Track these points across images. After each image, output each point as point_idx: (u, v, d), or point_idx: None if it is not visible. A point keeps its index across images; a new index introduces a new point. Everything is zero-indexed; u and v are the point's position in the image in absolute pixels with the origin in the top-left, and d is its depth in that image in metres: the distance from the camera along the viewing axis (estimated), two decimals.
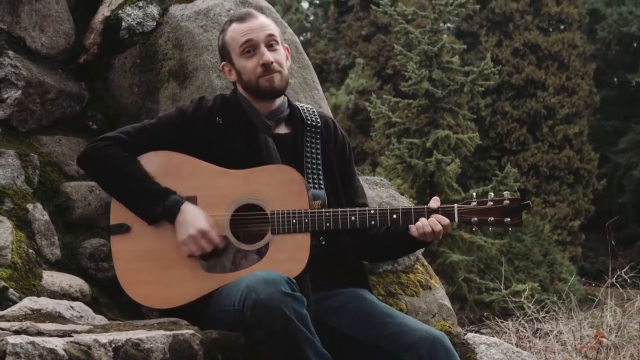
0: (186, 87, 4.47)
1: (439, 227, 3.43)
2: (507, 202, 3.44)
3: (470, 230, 3.58)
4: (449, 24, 27.77)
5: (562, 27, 29.22)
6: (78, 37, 4.71)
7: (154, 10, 4.67)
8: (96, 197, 4.21)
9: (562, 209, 26.45)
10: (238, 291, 3.15)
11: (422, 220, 3.44)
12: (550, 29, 28.99)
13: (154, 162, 3.53)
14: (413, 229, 3.46)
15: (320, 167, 3.64)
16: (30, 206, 3.94)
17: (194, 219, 3.41)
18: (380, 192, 4.69)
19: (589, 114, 29.34)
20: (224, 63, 3.71)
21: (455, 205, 3.47)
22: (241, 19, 3.64)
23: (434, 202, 3.47)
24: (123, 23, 4.65)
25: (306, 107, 3.79)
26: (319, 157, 3.66)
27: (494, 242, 14.72)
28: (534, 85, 27.75)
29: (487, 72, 14.47)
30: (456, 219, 3.45)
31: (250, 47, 3.60)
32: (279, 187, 3.44)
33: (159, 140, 3.57)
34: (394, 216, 3.44)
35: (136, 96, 4.60)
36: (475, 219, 3.44)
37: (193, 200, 3.48)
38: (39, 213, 3.95)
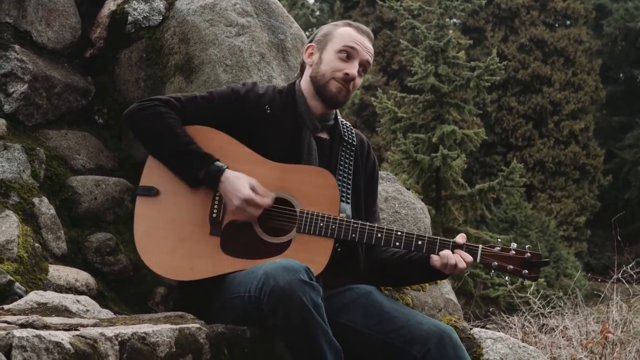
0: (192, 82, 4.47)
1: (462, 264, 3.47)
2: (529, 255, 3.51)
3: (491, 273, 3.62)
4: (455, 19, 27.76)
5: (568, 22, 29.19)
6: (84, 31, 4.71)
7: (160, 4, 4.66)
8: (102, 191, 4.21)
9: (567, 204, 26.45)
10: (255, 278, 3.15)
11: (447, 252, 3.46)
12: (556, 25, 28.97)
13: (197, 136, 3.51)
14: (435, 258, 3.47)
15: (350, 181, 3.66)
16: (36, 200, 3.94)
17: (235, 188, 3.39)
18: (386, 187, 4.69)
19: (594, 109, 29.31)
20: (312, 44, 3.73)
21: (480, 246, 3.51)
22: (359, 30, 3.70)
23: (461, 238, 3.51)
24: (129, 17, 4.65)
25: (345, 123, 3.83)
26: (350, 172, 3.68)
27: (500, 238, 14.69)
28: (540, 80, 27.73)
29: (493, 68, 14.46)
30: (478, 259, 3.49)
31: (349, 54, 3.64)
32: (313, 189, 3.45)
33: (208, 113, 3.56)
34: (419, 242, 3.46)
35: (142, 90, 4.60)
36: (496, 263, 3.49)
37: None
38: (45, 207, 3.95)
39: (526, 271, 3.49)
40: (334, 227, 3.40)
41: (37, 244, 3.81)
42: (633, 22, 30.65)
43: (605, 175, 28.30)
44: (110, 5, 4.73)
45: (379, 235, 3.44)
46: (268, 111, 3.60)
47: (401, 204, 4.65)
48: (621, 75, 33.01)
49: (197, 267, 3.39)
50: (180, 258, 3.41)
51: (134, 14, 4.64)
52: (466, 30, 28.84)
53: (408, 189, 4.95)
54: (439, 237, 3.52)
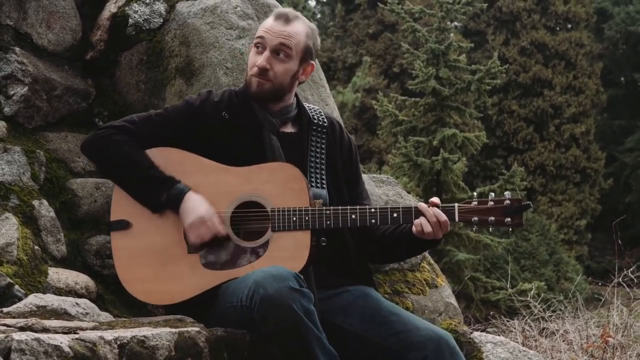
0: (193, 84, 4.46)
1: (434, 220, 3.41)
2: (508, 202, 3.43)
3: (474, 229, 3.54)
4: (456, 23, 27.73)
5: (569, 26, 29.16)
6: (85, 34, 4.71)
7: (160, 7, 4.66)
8: (102, 194, 4.20)
9: (568, 208, 26.41)
10: (246, 287, 3.15)
11: (422, 218, 3.43)
12: (558, 28, 28.95)
13: (156, 158, 3.53)
14: (413, 227, 3.45)
15: (324, 166, 3.64)
16: (36, 203, 3.94)
17: (194, 207, 3.41)
18: (387, 190, 4.69)
19: (595, 113, 29.29)
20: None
21: (456, 204, 3.47)
22: (276, 16, 3.64)
23: (435, 199, 3.48)
24: (130, 20, 4.65)
25: (313, 108, 3.80)
26: (323, 156, 3.65)
27: (500, 241, 14.67)
28: (541, 84, 27.70)
29: (494, 71, 14.43)
30: (456, 218, 3.44)
31: (259, 45, 3.61)
32: (279, 185, 3.44)
33: (165, 130, 3.57)
34: (394, 215, 3.44)
35: (142, 93, 4.60)
36: (476, 218, 3.43)
37: None
38: (45, 210, 3.95)
39: (509, 219, 3.43)
40: (307, 218, 3.39)
41: (36, 247, 3.80)
42: (634, 25, 30.63)
43: (606, 179, 28.26)
44: (110, 8, 4.73)
45: (353, 216, 3.42)
46: (226, 117, 3.59)
47: None
48: (622, 78, 32.98)
49: (182, 288, 3.42)
50: (165, 283, 3.43)
51: (134, 17, 4.64)
52: (467, 34, 28.82)
53: (409, 193, 4.95)
54: (413, 205, 3.47)
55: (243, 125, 3.60)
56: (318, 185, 3.58)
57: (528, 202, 3.50)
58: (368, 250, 3.68)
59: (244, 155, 3.53)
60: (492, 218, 3.43)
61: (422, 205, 3.45)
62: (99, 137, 3.56)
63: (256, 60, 3.59)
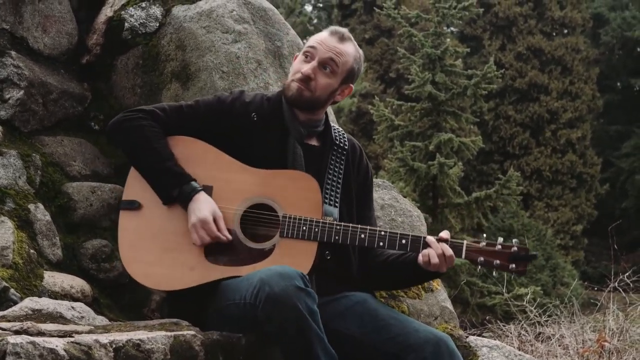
0: (189, 88, 4.46)
1: (441, 253, 3.43)
2: (515, 249, 3.47)
3: (478, 269, 3.58)
4: (452, 28, 27.80)
5: (565, 31, 29.23)
6: (81, 38, 4.71)
7: (156, 11, 4.66)
8: (98, 198, 4.20)
9: (564, 213, 26.45)
10: (251, 285, 3.15)
11: (429, 249, 3.44)
12: (554, 34, 29.01)
13: (179, 146, 3.54)
14: (420, 257, 3.47)
15: (340, 185, 3.66)
16: (32, 206, 3.93)
17: (199, 208, 3.41)
18: (383, 195, 4.69)
19: (592, 118, 29.32)
20: (297, 54, 3.76)
21: (465, 242, 3.49)
22: (331, 32, 3.68)
23: (444, 234, 3.50)
24: (126, 24, 4.65)
25: (338, 129, 3.83)
26: (340, 176, 3.68)
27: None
28: (537, 89, 27.75)
29: (490, 76, 14.44)
30: (463, 255, 3.47)
31: (309, 54, 3.64)
32: (295, 193, 3.45)
33: (192, 122, 3.59)
34: (403, 241, 3.46)
35: (139, 97, 4.60)
36: (482, 259, 3.46)
37: (209, 189, 3.49)
38: (40, 213, 3.95)
39: (513, 265, 3.46)
40: (316, 230, 3.40)
41: (32, 251, 3.80)
42: (630, 31, 30.69)
43: (602, 184, 28.29)
44: (106, 12, 4.73)
45: (362, 236, 3.44)
46: (255, 119, 3.61)
47: (397, 212, 4.65)
48: (618, 84, 33.03)
49: (182, 276, 3.41)
50: (165, 268, 3.43)
51: (130, 21, 4.64)
52: (464, 39, 28.87)
53: (405, 197, 4.95)
54: (423, 235, 3.50)
55: (270, 129, 3.62)
56: (331, 203, 3.60)
57: (535, 253, 3.55)
58: (368, 271, 3.68)
59: (265, 159, 3.54)
60: (498, 262, 3.46)
61: (431, 239, 3.47)
62: (126, 120, 3.56)
63: (302, 67, 3.61)
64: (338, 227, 3.43)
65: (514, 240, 3.51)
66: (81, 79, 4.65)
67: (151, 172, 3.51)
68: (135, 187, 3.53)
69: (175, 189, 3.45)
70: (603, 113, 30.58)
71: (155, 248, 3.46)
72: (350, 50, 3.68)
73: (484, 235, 3.65)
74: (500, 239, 3.51)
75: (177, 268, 3.42)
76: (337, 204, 3.61)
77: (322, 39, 3.65)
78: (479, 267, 3.49)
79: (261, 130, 3.60)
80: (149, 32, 4.64)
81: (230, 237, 3.43)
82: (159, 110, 3.60)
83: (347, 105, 21.65)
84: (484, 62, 19.99)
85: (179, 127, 3.57)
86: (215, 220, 3.41)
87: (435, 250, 3.44)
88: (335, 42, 3.64)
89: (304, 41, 4.99)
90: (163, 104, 3.68)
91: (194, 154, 3.54)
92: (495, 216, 21.96)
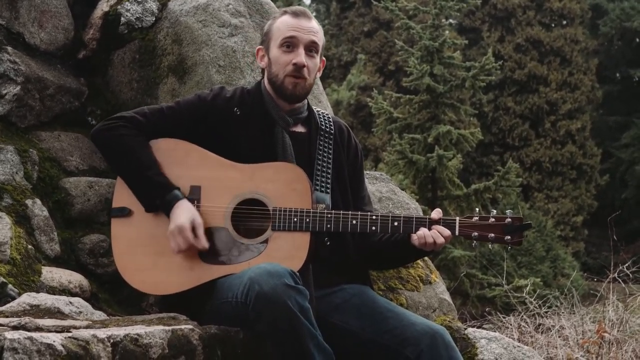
0: (185, 83, 4.46)
1: (440, 240, 3.43)
2: (509, 220, 3.44)
3: (473, 244, 3.56)
4: (450, 20, 27.75)
5: (564, 22, 29.17)
6: (77, 33, 4.71)
7: (152, 5, 4.66)
8: (95, 193, 4.20)
9: (564, 204, 26.43)
10: (241, 283, 3.15)
11: (424, 230, 3.44)
12: (553, 25, 28.96)
13: (162, 149, 3.54)
14: (414, 237, 3.46)
15: (330, 170, 3.65)
16: (29, 202, 3.93)
17: (177, 215, 3.41)
18: (380, 187, 4.69)
19: (591, 109, 29.29)
20: (260, 47, 3.73)
21: (457, 218, 3.48)
22: (295, 14, 3.64)
23: (436, 214, 3.48)
24: (122, 18, 4.64)
25: (321, 112, 3.81)
26: (330, 161, 3.66)
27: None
28: (536, 80, 27.71)
29: (488, 67, 14.42)
30: (457, 232, 3.46)
31: (291, 43, 3.60)
32: (283, 185, 3.45)
33: (175, 123, 3.58)
34: (395, 223, 3.45)
35: (135, 91, 4.60)
36: (476, 233, 3.44)
37: (197, 190, 3.48)
38: (38, 209, 3.95)
39: (509, 237, 3.44)
40: (307, 220, 3.40)
41: (30, 246, 3.80)
42: (629, 21, 30.63)
43: (602, 175, 28.27)
44: (103, 7, 4.72)
45: (354, 222, 3.43)
46: (238, 113, 3.59)
47: (395, 204, 4.65)
48: (617, 74, 32.98)
49: (179, 279, 3.42)
50: (161, 272, 3.44)
51: (126, 15, 4.63)
52: (462, 31, 28.82)
53: (404, 190, 4.95)
54: (414, 216, 3.49)
55: (254, 121, 3.61)
56: (322, 189, 3.58)
57: (529, 222, 3.53)
58: (364, 253, 3.68)
59: (254, 152, 3.53)
60: (492, 235, 3.44)
61: (423, 219, 3.46)
62: (107, 129, 3.55)
63: (289, 58, 3.58)
64: (329, 216, 3.42)
65: (507, 212, 3.48)
66: (78, 74, 4.64)
67: (133, 182, 3.51)
68: (124, 193, 3.54)
69: (158, 199, 3.45)
70: (602, 104, 30.55)
71: (150, 253, 3.47)
72: (318, 25, 3.69)
73: (477, 209, 3.62)
74: (494, 211, 3.48)
75: (173, 271, 3.43)
76: (328, 190, 3.60)
77: (294, 24, 3.61)
78: (474, 242, 3.47)
79: (245, 124, 3.59)
80: (145, 26, 4.64)
81: (206, 245, 3.41)
82: (140, 115, 3.58)
83: (345, 98, 21.62)
84: (483, 54, 19.95)
85: (162, 129, 3.56)
86: (193, 228, 3.40)
87: (428, 230, 3.43)
88: (307, 23, 3.62)
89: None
90: (144, 108, 3.66)
91: (179, 156, 3.53)
92: (495, 208, 21.94)
